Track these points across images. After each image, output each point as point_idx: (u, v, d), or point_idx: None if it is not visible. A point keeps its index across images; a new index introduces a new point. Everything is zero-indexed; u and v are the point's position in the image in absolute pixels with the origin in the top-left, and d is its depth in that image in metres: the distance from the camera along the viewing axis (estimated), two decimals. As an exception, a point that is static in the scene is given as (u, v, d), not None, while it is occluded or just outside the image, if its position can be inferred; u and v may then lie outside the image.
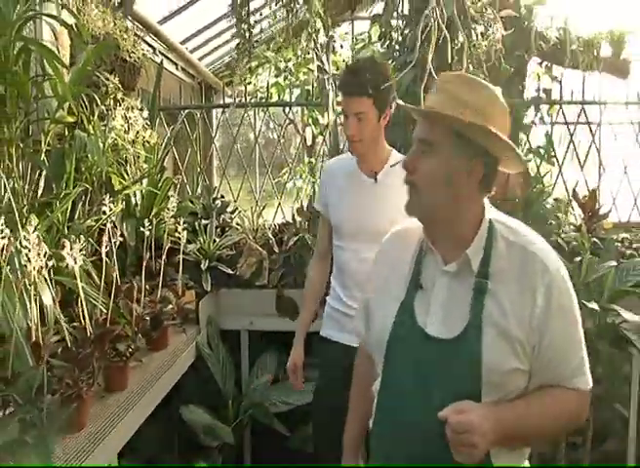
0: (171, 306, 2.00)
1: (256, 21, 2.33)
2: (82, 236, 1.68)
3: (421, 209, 1.11)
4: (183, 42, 4.53)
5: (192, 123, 3.95)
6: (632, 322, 2.28)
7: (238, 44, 2.05)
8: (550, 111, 4.33)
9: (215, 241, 2.82)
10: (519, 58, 4.23)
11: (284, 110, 4.06)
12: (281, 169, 4.67)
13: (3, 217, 1.26)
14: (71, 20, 2.22)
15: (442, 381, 1.06)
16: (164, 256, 2.09)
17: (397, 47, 2.59)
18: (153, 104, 2.96)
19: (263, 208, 3.30)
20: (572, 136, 3.91)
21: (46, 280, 1.46)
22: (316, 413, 2.02)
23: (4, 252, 1.29)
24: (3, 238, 1.23)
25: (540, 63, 4.66)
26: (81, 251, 1.42)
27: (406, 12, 2.75)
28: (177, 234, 2.15)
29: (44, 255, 1.30)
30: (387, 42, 2.60)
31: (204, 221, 2.95)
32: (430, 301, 1.10)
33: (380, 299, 1.20)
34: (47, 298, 1.45)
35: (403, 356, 1.12)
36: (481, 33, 2.50)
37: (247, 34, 2.01)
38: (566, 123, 4.03)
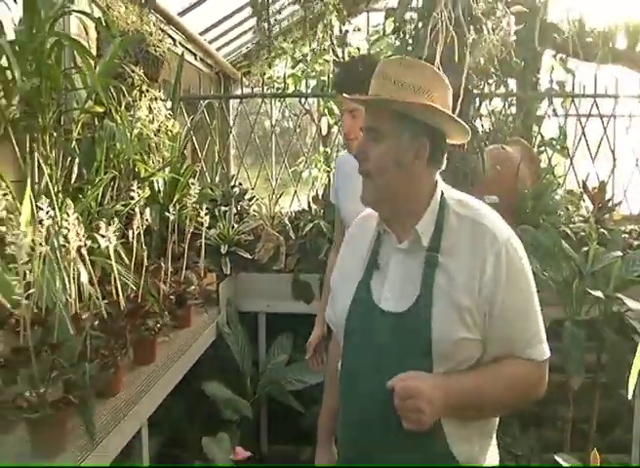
0: (193, 287, 2.12)
1: (274, 16, 2.39)
2: (113, 219, 1.80)
3: (376, 194, 1.12)
4: (202, 33, 4.62)
5: (211, 112, 4.07)
6: (637, 311, 2.33)
7: (259, 40, 2.14)
8: (564, 104, 4.37)
9: (234, 227, 2.94)
10: (532, 52, 4.27)
11: (300, 101, 4.16)
12: (297, 158, 4.78)
13: (47, 200, 1.37)
14: (99, 15, 2.34)
15: (394, 354, 1.08)
16: (188, 240, 2.21)
17: (410, 41, 2.65)
18: (174, 95, 3.08)
19: (280, 195, 3.40)
20: (584, 128, 3.94)
21: (82, 259, 1.58)
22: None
23: (46, 232, 1.41)
24: (48, 219, 1.34)
25: (555, 56, 4.69)
26: (115, 233, 1.53)
27: (420, 5, 2.83)
28: (198, 219, 2.26)
29: (83, 236, 1.42)
30: (401, 36, 2.67)
31: (223, 208, 3.06)
32: (386, 279, 1.12)
33: (340, 281, 1.22)
34: (83, 276, 1.58)
35: (360, 333, 1.14)
36: (492, 28, 2.56)
37: (267, 31, 2.09)
38: (578, 115, 4.06)
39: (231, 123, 4.10)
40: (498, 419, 1.17)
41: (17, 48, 1.84)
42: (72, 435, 1.23)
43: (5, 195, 1.35)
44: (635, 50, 4.96)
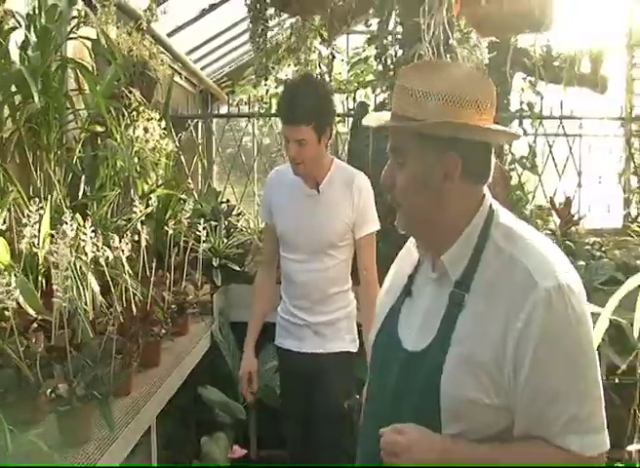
0: (191, 297, 2.25)
1: (271, 30, 2.45)
2: (116, 234, 1.93)
3: (407, 222, 1.01)
4: (188, 53, 4.79)
5: (195, 130, 4.21)
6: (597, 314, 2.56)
7: (257, 68, 2.29)
8: (533, 123, 4.65)
9: (224, 241, 3.07)
10: (503, 75, 4.54)
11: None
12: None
13: (68, 213, 1.50)
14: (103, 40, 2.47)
15: (402, 399, 0.96)
16: (187, 253, 2.34)
17: (392, 67, 2.86)
18: (165, 114, 3.22)
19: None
20: (551, 147, 4.21)
21: (94, 269, 1.71)
22: (283, 415, 2.17)
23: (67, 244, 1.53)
24: (72, 231, 1.47)
25: (525, 79, 4.98)
26: (127, 245, 1.67)
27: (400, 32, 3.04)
28: (196, 234, 2.39)
29: (100, 248, 1.55)
30: (383, 62, 2.87)
31: (213, 223, 3.20)
32: (413, 310, 1.01)
33: (380, 304, 1.13)
34: (95, 285, 1.70)
35: (379, 364, 1.05)
36: (466, 56, 2.78)
37: (261, 45, 2.22)
38: (546, 135, 4.34)
39: (218, 141, 4.25)
40: None
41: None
42: (96, 427, 1.35)
43: (38, 210, 1.47)
44: (598, 74, 5.29)
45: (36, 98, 1.66)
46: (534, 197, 3.85)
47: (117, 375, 1.40)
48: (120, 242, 1.65)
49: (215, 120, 4.80)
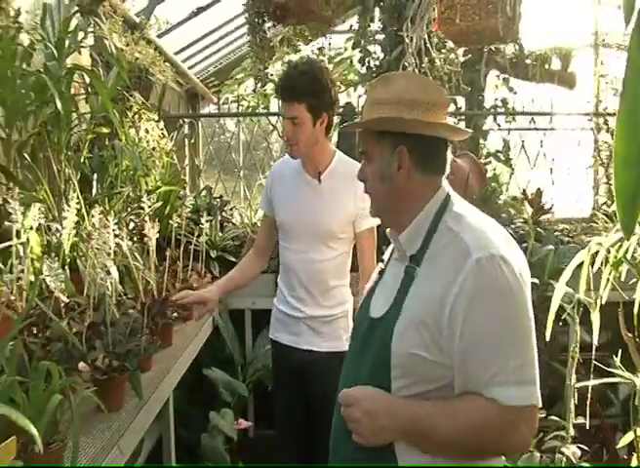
0: (196, 285, 2.44)
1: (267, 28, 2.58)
2: (127, 228, 2.11)
3: (375, 210, 1.20)
4: (177, 53, 4.94)
5: (186, 129, 4.39)
6: (567, 293, 2.81)
7: (256, 74, 2.47)
8: (507, 119, 4.91)
9: (219, 234, 3.26)
10: (477, 73, 4.79)
11: (268, 118, 4.53)
12: (264, 171, 5.14)
13: (95, 209, 1.69)
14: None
15: (364, 360, 1.10)
16: (187, 246, 2.52)
17: (374, 69, 3.08)
18: (159, 114, 3.39)
19: (258, 204, 3.75)
20: (523, 141, 4.47)
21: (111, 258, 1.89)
22: (276, 409, 2.14)
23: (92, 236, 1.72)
24: (99, 223, 1.66)
25: (498, 76, 5.23)
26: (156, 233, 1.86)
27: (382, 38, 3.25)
28: (199, 227, 2.58)
29: (124, 238, 1.74)
30: (366, 65, 3.09)
31: (208, 217, 3.38)
32: (382, 287, 1.18)
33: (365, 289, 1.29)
34: (114, 272, 1.89)
35: (354, 336, 1.21)
36: (443, 59, 3.01)
37: (259, 42, 2.37)
38: (518, 129, 4.60)
39: (207, 140, 4.43)
40: None
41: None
42: (128, 395, 1.55)
43: (78, 210, 1.65)
44: (567, 70, 5.57)
45: (59, 105, 1.83)
46: (507, 188, 4.11)
47: (145, 349, 1.60)
48: (132, 235, 1.83)
49: (202, 120, 4.97)
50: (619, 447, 1.99)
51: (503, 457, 1.13)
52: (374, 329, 1.11)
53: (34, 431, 0.87)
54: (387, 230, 1.22)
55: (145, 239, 2.05)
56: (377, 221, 1.93)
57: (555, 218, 3.79)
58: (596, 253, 1.66)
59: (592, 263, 1.69)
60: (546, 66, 5.47)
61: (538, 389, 1.00)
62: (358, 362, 1.13)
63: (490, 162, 4.60)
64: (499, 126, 4.79)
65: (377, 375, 1.06)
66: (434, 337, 1.00)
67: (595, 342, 2.05)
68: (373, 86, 1.17)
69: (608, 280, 1.63)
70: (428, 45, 2.62)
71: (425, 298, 1.03)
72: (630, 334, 1.76)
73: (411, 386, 1.04)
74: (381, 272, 1.23)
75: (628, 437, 1.74)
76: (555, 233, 3.26)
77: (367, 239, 1.98)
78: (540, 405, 1.00)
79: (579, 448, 2.09)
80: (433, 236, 1.08)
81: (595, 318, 2.01)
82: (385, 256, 1.28)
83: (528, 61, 5.35)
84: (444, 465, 1.03)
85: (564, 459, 2.04)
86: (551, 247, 2.86)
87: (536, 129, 4.50)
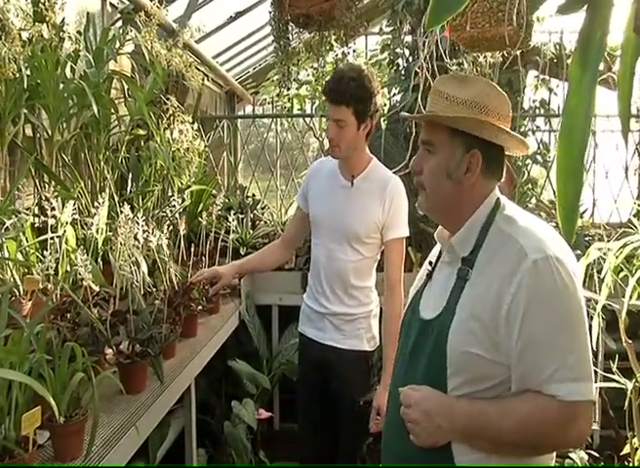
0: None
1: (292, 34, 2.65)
2: (158, 224, 2.24)
3: (428, 204, 1.18)
4: (215, 57, 5.10)
5: (222, 129, 4.53)
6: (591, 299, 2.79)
7: (280, 79, 2.56)
8: (546, 120, 4.83)
9: (250, 232, 3.38)
10: (516, 73, 4.74)
11: (304, 119, 4.62)
12: (301, 170, 5.25)
13: (126, 206, 1.81)
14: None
15: (418, 360, 1.12)
16: (218, 242, 2.63)
17: (403, 72, 3.12)
18: (195, 116, 3.53)
19: (290, 205, 3.85)
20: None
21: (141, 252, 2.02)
22: (299, 399, 2.22)
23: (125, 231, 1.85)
24: (129, 220, 1.78)
25: (537, 77, 5.15)
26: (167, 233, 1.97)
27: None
28: (221, 225, 2.70)
29: (152, 233, 1.86)
30: (395, 68, 3.13)
31: (240, 216, 3.51)
32: (432, 289, 1.19)
33: (411, 290, 1.32)
34: (144, 265, 2.01)
35: (403, 337, 1.22)
36: (472, 61, 3.02)
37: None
38: (557, 131, 4.52)
39: (243, 140, 4.56)
40: None
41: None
42: (149, 380, 1.66)
43: (112, 209, 1.78)
44: (611, 70, 5.42)
45: (95, 109, 1.97)
46: (541, 192, 4.06)
47: (166, 337, 1.71)
48: (162, 231, 1.95)
49: (240, 119, 5.11)
50: (622, 453, 1.97)
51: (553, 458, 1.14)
52: (427, 329, 1.12)
53: (52, 402, 0.97)
54: (436, 234, 1.25)
55: (173, 235, 2.18)
56: (405, 233, 2.01)
57: (589, 222, 3.74)
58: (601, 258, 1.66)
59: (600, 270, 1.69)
60: (588, 67, 5.32)
61: (593, 385, 1.02)
62: (411, 362, 1.15)
63: (528, 164, 4.55)
64: (537, 127, 4.73)
65: (432, 375, 1.09)
66: (491, 336, 1.03)
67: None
68: (443, 81, 1.17)
69: (607, 285, 1.62)
70: (443, 54, 2.63)
71: (481, 298, 1.05)
72: (631, 341, 1.75)
73: (466, 385, 1.06)
74: (429, 275, 1.24)
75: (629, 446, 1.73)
76: (586, 238, 3.22)
77: (392, 250, 2.00)
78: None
79: (587, 453, 2.08)
80: (486, 238, 1.10)
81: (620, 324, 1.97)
82: (432, 259, 1.28)
83: (569, 61, 5.24)
84: (503, 465, 1.05)
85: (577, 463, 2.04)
86: (579, 252, 2.83)
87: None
